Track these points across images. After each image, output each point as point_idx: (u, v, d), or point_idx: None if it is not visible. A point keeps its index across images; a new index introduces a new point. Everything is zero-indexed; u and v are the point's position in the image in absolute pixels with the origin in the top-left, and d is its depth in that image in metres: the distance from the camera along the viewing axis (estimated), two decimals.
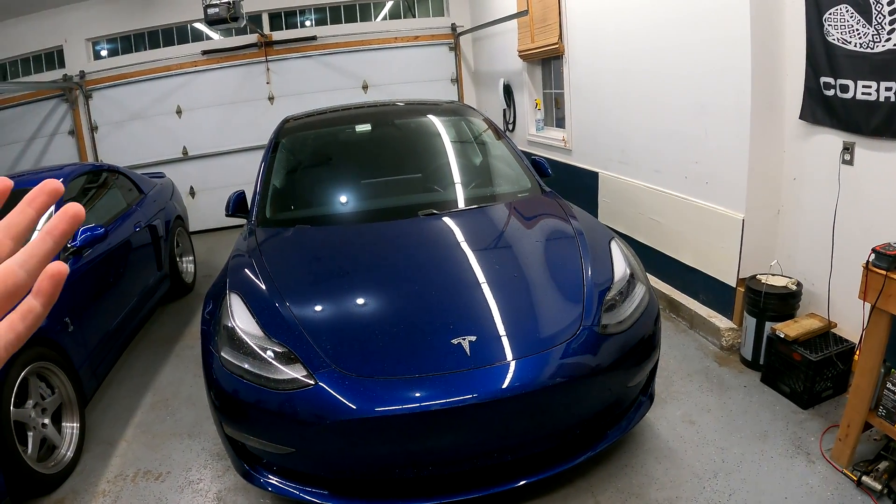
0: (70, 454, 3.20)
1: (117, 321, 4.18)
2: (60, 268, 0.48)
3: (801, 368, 3.13)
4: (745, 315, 3.57)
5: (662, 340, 3.92)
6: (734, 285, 3.77)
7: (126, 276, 4.50)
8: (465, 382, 2.26)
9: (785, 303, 3.40)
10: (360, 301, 2.76)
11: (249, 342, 2.47)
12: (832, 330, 3.29)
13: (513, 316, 2.58)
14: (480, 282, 2.77)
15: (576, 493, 2.69)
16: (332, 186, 3.92)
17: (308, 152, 4.35)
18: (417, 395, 2.24)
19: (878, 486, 2.50)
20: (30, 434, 2.98)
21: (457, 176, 3.94)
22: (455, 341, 2.39)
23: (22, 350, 2.93)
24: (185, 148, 8.00)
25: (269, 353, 2.42)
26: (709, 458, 2.83)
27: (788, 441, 2.91)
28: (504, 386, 2.26)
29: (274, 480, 2.48)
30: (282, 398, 2.30)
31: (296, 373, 2.34)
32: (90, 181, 4.83)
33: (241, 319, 2.57)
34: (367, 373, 2.31)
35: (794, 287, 3.42)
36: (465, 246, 3.10)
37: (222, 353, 2.49)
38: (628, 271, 2.83)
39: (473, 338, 2.40)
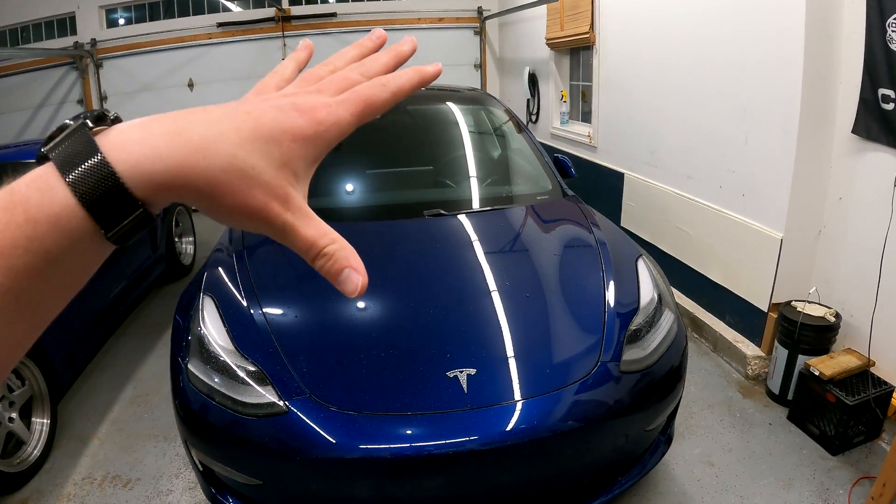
0: (38, 452, 3.02)
1: (101, 306, 3.98)
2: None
3: (835, 411, 2.83)
4: (776, 345, 3.26)
5: None
6: (766, 310, 3.45)
7: (114, 258, 4.29)
8: (459, 424, 1.97)
9: (821, 336, 3.09)
10: (348, 317, 2.46)
11: (218, 355, 2.20)
12: (870, 369, 2.99)
13: (520, 346, 2.26)
14: (486, 302, 2.46)
15: None
16: (332, 177, 3.63)
17: None
18: (399, 435, 1.97)
19: None
20: None
21: (470, 172, 3.63)
22: (451, 374, 2.09)
23: None
24: None
25: (238, 371, 2.15)
26: None
27: (815, 492, 2.62)
28: (503, 431, 1.97)
29: None
30: (248, 424, 2.04)
31: (265, 398, 2.07)
32: None
33: (211, 327, 2.31)
34: (345, 405, 2.03)
35: (833, 319, 3.11)
36: (472, 257, 2.79)
37: (189, 366, 2.23)
38: (656, 295, 2.51)
39: (472, 371, 2.10)
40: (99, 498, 2.81)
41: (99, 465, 3.02)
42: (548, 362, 2.21)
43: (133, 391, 3.70)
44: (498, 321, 2.36)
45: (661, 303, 2.49)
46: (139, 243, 4.72)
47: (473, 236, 2.96)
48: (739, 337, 3.68)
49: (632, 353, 2.24)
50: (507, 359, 2.20)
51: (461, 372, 2.09)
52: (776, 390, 3.25)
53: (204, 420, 2.12)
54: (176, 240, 5.53)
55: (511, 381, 2.11)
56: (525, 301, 2.48)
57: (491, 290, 2.53)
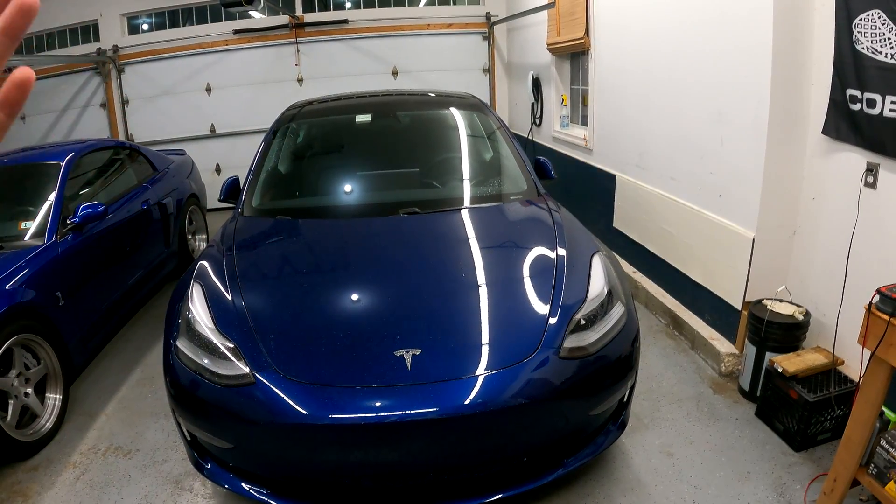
0: (50, 424, 3.27)
1: (116, 297, 4.20)
2: (26, 73, 0.48)
3: (797, 408, 2.85)
4: (745, 342, 3.29)
5: (660, 359, 3.73)
6: (739, 308, 3.48)
7: (129, 252, 4.50)
8: (401, 398, 2.13)
9: (788, 333, 3.11)
10: (316, 304, 2.64)
11: (202, 334, 2.43)
12: (838, 367, 3.00)
13: (465, 331, 2.41)
14: (440, 291, 2.63)
15: None
16: (319, 178, 3.82)
17: (302, 142, 4.24)
18: (346, 405, 2.14)
19: None
20: (10, 402, 3.06)
21: (447, 175, 3.77)
22: (398, 353, 2.26)
23: (6, 322, 3.00)
24: (212, 125, 8.00)
25: (218, 346, 2.37)
26: (679, 497, 2.60)
27: (771, 486, 2.65)
28: (440, 406, 2.11)
29: (227, 475, 2.43)
30: (223, 393, 2.25)
31: (238, 370, 2.28)
32: (102, 157, 4.85)
33: (199, 310, 2.54)
34: (303, 378, 2.22)
35: (801, 317, 3.13)
36: (435, 250, 2.96)
37: (178, 342, 2.47)
38: (606, 289, 2.59)
39: (417, 351, 2.26)
40: (101, 466, 3.03)
41: (104, 438, 3.25)
42: (489, 346, 2.33)
43: (141, 374, 3.93)
44: (448, 307, 2.53)
45: (611, 296, 2.57)
46: (152, 240, 4.92)
47: (441, 233, 3.11)
48: (716, 335, 3.70)
49: (574, 341, 2.34)
50: (451, 341, 2.35)
51: (407, 352, 2.26)
52: (746, 387, 3.28)
53: (188, 390, 2.35)
54: (189, 237, 5.73)
55: (451, 361, 2.26)
56: (477, 290, 2.62)
57: (447, 279, 2.70)
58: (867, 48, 2.72)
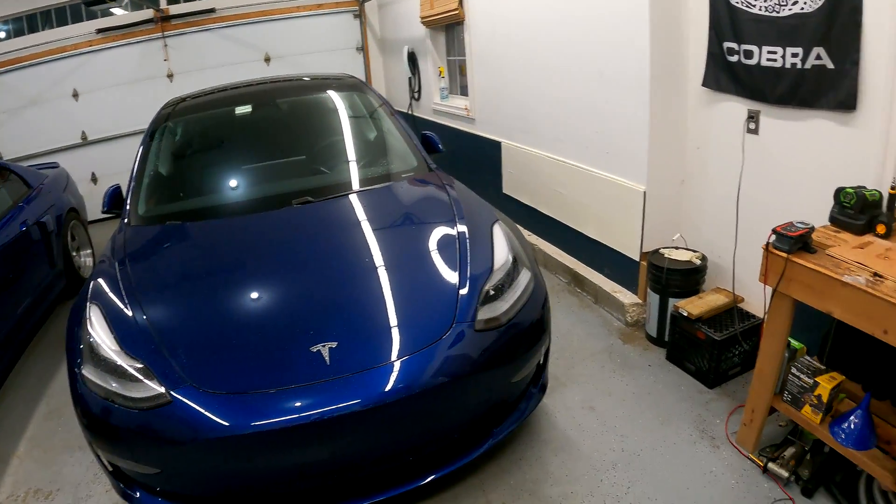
0: None
1: (7, 329, 3.60)
2: None
3: (706, 348, 2.81)
4: (648, 291, 3.22)
5: (566, 317, 3.61)
6: (638, 259, 3.41)
7: (13, 280, 3.85)
8: (322, 395, 1.94)
9: (688, 278, 3.06)
10: (222, 310, 2.34)
11: (107, 358, 2.11)
12: (739, 304, 2.98)
13: (379, 317, 2.21)
14: (346, 279, 2.40)
15: (466, 492, 2.38)
16: (205, 177, 3.38)
17: (182, 141, 3.73)
18: (266, 411, 1.92)
19: (785, 474, 2.23)
20: None
21: (335, 159, 3.44)
22: (314, 349, 2.05)
23: None
24: (83, 133, 7.03)
25: (126, 369, 2.07)
26: (608, 448, 2.52)
27: (692, 425, 2.60)
28: (364, 396, 1.93)
29: (158, 500, 2.14)
30: (139, 417, 1.98)
31: (152, 391, 2.00)
32: None
33: (100, 333, 2.21)
34: (220, 389, 1.98)
35: (699, 262, 3.08)
36: (335, 237, 2.70)
37: (83, 370, 2.13)
38: (511, 257, 2.44)
39: (334, 344, 2.06)
40: None
41: (21, 483, 2.80)
42: (404, 329, 2.17)
43: (46, 407, 3.41)
44: (357, 295, 2.33)
45: (516, 264, 2.44)
46: (36, 262, 4.25)
47: (336, 219, 2.85)
48: (618, 287, 3.63)
49: (486, 313, 2.21)
50: (365, 330, 2.18)
51: (323, 346, 2.07)
52: (654, 333, 3.23)
53: (102, 420, 2.06)
54: (74, 254, 5.03)
55: (369, 350, 2.09)
56: (384, 274, 2.41)
57: (352, 266, 2.48)
58: (742, 2, 2.67)
